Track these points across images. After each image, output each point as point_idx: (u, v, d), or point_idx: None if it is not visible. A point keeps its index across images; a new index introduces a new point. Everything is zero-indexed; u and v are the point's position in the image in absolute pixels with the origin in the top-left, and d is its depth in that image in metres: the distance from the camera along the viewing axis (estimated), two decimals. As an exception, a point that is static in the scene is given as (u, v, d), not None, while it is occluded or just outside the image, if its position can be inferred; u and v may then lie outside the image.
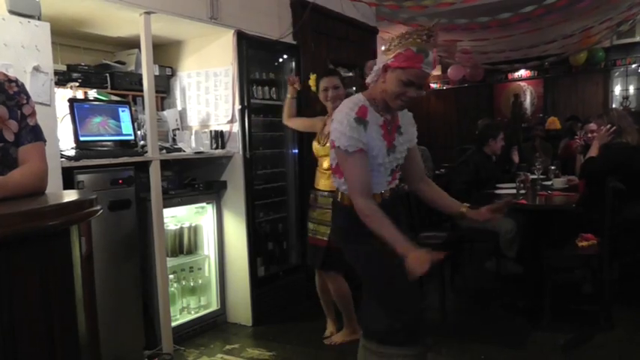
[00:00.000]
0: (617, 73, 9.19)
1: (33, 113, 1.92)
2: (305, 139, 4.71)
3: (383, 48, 2.47)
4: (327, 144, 3.50)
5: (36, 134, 1.91)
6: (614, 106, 9.11)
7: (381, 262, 2.45)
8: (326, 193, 3.82)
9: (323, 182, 3.91)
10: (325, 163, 3.84)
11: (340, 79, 3.98)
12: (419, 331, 2.53)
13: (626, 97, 9.10)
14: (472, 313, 4.73)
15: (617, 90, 9.20)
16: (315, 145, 3.98)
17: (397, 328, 2.43)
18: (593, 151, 4.62)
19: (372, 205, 2.33)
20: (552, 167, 5.50)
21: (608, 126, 4.47)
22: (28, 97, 1.93)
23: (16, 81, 1.92)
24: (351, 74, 5.74)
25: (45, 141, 1.95)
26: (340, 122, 2.38)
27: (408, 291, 2.49)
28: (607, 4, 6.32)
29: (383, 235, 2.27)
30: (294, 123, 4.30)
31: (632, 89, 9.10)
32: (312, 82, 4.12)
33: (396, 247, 2.22)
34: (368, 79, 2.53)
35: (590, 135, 4.80)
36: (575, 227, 4.42)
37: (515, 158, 5.82)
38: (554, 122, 8.41)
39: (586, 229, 4.30)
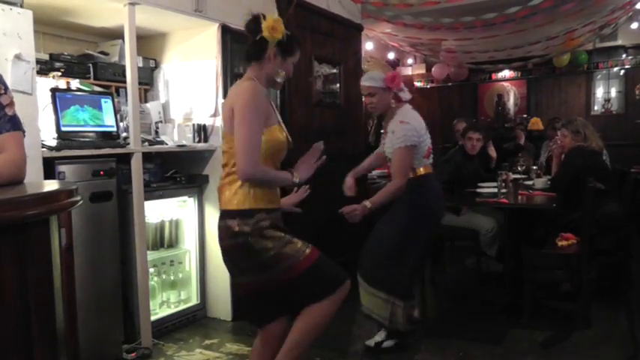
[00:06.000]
0: (599, 76, 9.29)
1: (11, 103, 1.89)
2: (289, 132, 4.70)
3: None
4: None
5: (14, 124, 1.87)
6: (595, 108, 9.23)
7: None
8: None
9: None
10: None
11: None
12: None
13: (607, 100, 9.21)
14: (451, 310, 4.76)
15: (600, 92, 9.30)
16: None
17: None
18: (555, 169, 4.98)
19: None
20: (534, 167, 5.55)
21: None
22: (6, 87, 1.90)
23: None
24: (335, 71, 5.75)
25: (24, 131, 1.92)
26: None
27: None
28: (590, 7, 6.38)
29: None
30: None
31: (613, 92, 9.20)
32: (274, 25, 2.50)
33: None
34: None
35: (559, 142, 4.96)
36: (555, 227, 4.47)
37: (492, 153, 5.86)
38: (536, 123, 8.48)
39: (566, 229, 4.34)
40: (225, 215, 2.47)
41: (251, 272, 2.47)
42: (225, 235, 2.46)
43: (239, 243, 2.41)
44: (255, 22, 2.50)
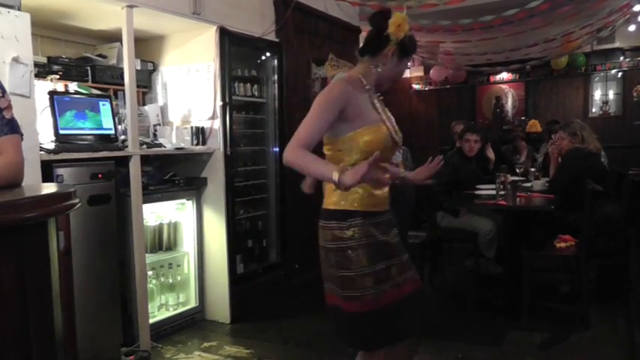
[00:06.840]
0: (597, 78, 9.29)
1: (9, 107, 1.89)
2: (287, 136, 4.71)
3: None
4: None
5: (12, 127, 1.87)
6: (593, 110, 9.24)
7: None
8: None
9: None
10: None
11: None
12: None
13: (605, 102, 9.21)
14: (450, 311, 4.76)
15: (597, 95, 9.30)
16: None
17: None
18: (552, 171, 4.97)
19: None
20: (532, 169, 5.56)
21: None
22: (4, 90, 1.90)
23: None
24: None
25: (22, 135, 1.92)
26: None
27: None
28: (587, 10, 6.39)
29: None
30: None
31: (611, 94, 9.20)
32: (401, 23, 2.31)
33: None
34: None
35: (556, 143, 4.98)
36: (554, 228, 4.47)
37: (490, 155, 5.86)
38: (534, 125, 8.49)
39: (564, 231, 4.35)
40: (322, 215, 2.37)
41: (331, 280, 2.34)
42: (320, 236, 2.36)
43: (330, 248, 2.30)
44: (383, 15, 2.32)
